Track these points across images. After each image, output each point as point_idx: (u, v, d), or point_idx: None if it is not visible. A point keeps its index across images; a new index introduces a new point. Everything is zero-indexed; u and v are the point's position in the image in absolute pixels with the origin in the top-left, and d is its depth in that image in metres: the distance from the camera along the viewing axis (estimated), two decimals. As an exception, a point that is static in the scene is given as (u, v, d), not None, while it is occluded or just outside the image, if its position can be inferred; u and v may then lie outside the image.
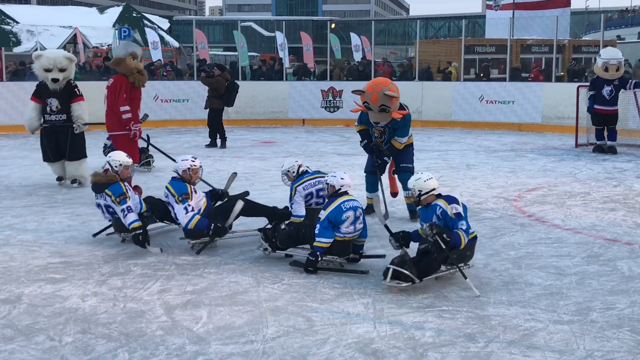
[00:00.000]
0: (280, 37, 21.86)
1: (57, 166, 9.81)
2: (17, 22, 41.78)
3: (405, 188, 7.44)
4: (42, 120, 9.59)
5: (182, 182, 6.43)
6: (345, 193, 5.89)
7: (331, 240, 5.65)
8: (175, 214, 6.41)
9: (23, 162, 11.99)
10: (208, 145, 14.12)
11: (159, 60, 22.73)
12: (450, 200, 5.49)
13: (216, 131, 14.28)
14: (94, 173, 6.68)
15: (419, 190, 5.57)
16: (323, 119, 18.53)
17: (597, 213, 7.96)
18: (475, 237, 5.64)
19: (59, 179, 9.83)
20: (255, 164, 11.68)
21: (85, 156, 9.81)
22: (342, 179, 5.95)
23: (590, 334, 4.42)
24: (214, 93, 14.15)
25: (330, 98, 18.68)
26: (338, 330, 4.48)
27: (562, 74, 22.79)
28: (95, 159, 10.79)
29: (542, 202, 8.57)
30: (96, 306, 4.90)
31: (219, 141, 14.23)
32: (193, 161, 6.52)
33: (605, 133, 13.25)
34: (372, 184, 7.82)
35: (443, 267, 5.40)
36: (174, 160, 6.95)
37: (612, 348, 4.21)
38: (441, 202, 5.47)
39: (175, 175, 6.53)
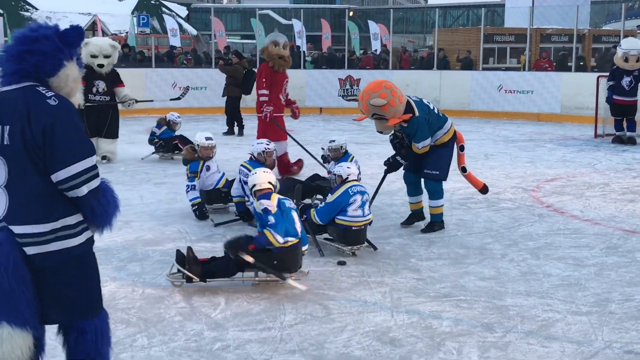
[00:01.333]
0: (297, 25, 21.78)
1: (102, 143, 10.53)
2: (36, 9, 41.93)
3: (431, 197, 6.66)
4: (85, 99, 10.31)
5: (260, 165, 6.68)
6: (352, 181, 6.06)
7: (323, 223, 5.91)
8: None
9: (42, 148, 12.07)
10: (225, 133, 14.14)
11: (179, 48, 22.75)
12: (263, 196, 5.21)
13: (234, 119, 14.30)
14: (185, 148, 7.80)
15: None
16: (340, 108, 18.48)
17: (616, 204, 7.90)
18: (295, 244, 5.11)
19: (105, 157, 10.52)
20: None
21: (117, 136, 10.72)
22: (348, 167, 6.16)
23: (608, 325, 4.40)
24: (232, 81, 14.17)
25: (348, 86, 18.63)
26: (355, 318, 4.48)
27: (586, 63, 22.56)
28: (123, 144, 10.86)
29: (561, 193, 8.53)
30: (115, 291, 4.94)
31: (236, 129, 14.25)
32: (267, 145, 7.01)
33: (625, 124, 13.14)
34: (410, 184, 6.87)
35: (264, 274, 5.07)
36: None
37: (631, 339, 4.19)
38: None
39: (251, 156, 7.00)
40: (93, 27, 32.71)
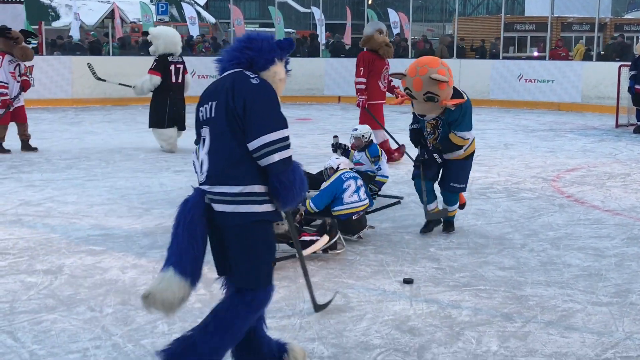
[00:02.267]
0: (317, 13, 21.73)
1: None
2: (57, -3, 42.15)
3: (448, 202, 6.21)
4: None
5: None
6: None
7: (318, 209, 5.90)
8: None
9: (63, 135, 12.16)
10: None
11: (198, 36, 22.75)
12: None
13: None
14: None
15: None
16: (359, 96, 18.41)
17: (637, 194, 7.84)
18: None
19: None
20: (291, 141, 11.70)
21: (157, 125, 10.48)
22: (337, 158, 6.34)
23: (629, 316, 4.37)
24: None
25: (367, 75, 18.54)
26: (374, 307, 4.49)
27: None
28: (133, 134, 10.92)
29: (582, 183, 8.47)
30: (136, 278, 4.98)
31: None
32: None
33: (647, 114, 13.03)
34: (429, 192, 6.21)
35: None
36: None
37: (652, 331, 4.17)
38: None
39: None
40: (112, 15, 32.86)
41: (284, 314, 4.35)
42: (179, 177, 8.58)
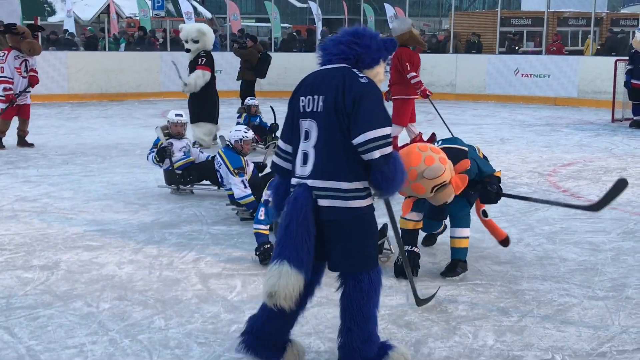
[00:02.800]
0: (314, 8, 21.70)
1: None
2: (51, -9, 41.98)
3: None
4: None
5: (236, 154, 6.53)
6: None
7: None
8: (225, 180, 6.56)
9: (59, 131, 12.15)
10: (241, 117, 14.13)
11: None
12: None
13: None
14: (157, 128, 7.56)
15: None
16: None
17: (633, 189, 7.85)
18: None
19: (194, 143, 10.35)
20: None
21: (201, 120, 10.54)
22: None
23: (625, 310, 4.39)
24: (247, 64, 14.13)
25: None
26: (371, 301, 4.49)
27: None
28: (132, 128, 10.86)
29: (578, 178, 8.48)
30: (132, 274, 4.98)
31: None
32: (245, 132, 6.66)
33: (643, 108, 13.04)
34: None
35: None
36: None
37: (648, 325, 4.18)
38: None
39: (228, 144, 6.66)
40: (108, 10, 32.75)
41: (280, 309, 4.35)
42: (175, 173, 8.56)
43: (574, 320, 4.24)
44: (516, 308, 4.42)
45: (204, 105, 10.58)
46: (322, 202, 3.30)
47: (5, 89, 9.91)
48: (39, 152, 9.98)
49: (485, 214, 5.44)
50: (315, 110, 3.32)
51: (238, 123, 10.21)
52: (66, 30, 21.71)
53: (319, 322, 4.16)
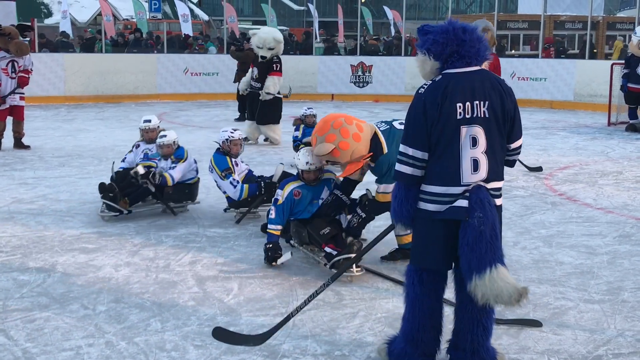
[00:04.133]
0: (312, 10, 21.73)
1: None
2: (48, -7, 41.97)
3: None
4: (250, 85, 11.43)
5: (223, 156, 6.47)
6: None
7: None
8: (219, 184, 6.51)
9: (55, 133, 12.12)
10: (237, 119, 14.13)
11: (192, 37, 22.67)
12: None
13: (245, 105, 14.27)
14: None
15: None
16: (352, 94, 18.43)
17: (629, 192, 7.87)
18: None
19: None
20: (284, 138, 11.69)
21: (273, 122, 11.20)
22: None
23: (621, 314, 4.39)
24: (244, 67, 14.13)
25: (360, 73, 18.57)
26: (367, 304, 4.50)
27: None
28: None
29: (574, 181, 8.50)
30: (129, 276, 4.97)
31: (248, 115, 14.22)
32: (232, 133, 6.54)
33: (639, 112, 13.06)
34: None
35: None
36: None
37: (644, 328, 4.19)
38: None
39: (218, 146, 6.59)
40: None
41: (277, 312, 4.35)
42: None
43: (570, 323, 4.25)
44: (512, 311, 4.41)
45: (274, 108, 11.15)
46: (497, 202, 3.43)
47: None
48: (35, 154, 9.96)
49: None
50: (479, 115, 3.33)
51: (295, 137, 9.44)
52: (63, 32, 21.68)
53: (316, 325, 4.16)
